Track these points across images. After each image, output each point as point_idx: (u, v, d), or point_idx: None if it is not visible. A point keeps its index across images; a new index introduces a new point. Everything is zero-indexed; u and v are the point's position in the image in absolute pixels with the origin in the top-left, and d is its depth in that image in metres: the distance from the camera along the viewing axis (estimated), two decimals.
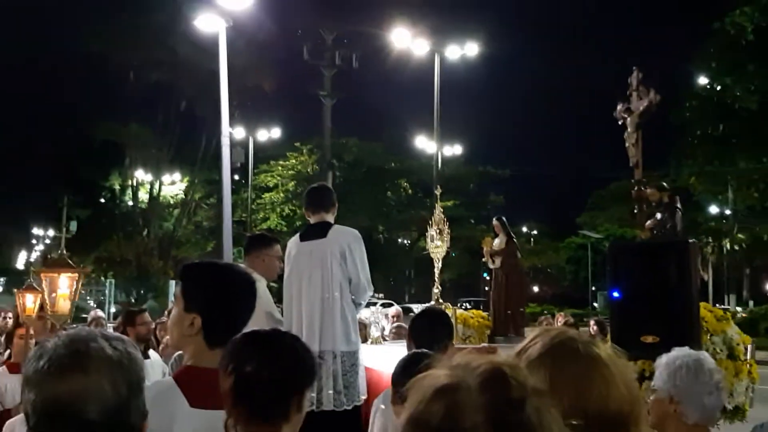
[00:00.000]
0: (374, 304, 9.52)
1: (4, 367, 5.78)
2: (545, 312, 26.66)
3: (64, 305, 4.55)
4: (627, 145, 7.57)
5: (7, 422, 3.77)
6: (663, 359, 2.87)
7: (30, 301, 5.09)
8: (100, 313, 11.53)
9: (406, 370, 3.13)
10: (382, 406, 3.60)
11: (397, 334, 9.85)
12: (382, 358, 6.00)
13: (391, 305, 14.55)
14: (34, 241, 71.48)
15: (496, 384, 1.15)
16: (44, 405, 1.47)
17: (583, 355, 1.58)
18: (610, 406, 1.53)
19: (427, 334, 3.85)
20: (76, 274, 4.64)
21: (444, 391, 1.16)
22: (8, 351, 6.46)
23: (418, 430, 1.15)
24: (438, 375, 1.19)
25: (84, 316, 14.25)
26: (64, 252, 4.72)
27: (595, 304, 48.32)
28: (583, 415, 1.49)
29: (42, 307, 5.65)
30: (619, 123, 7.66)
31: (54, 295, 4.52)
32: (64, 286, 4.53)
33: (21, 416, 3.67)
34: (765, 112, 26.98)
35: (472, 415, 1.12)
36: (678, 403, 2.74)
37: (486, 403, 1.12)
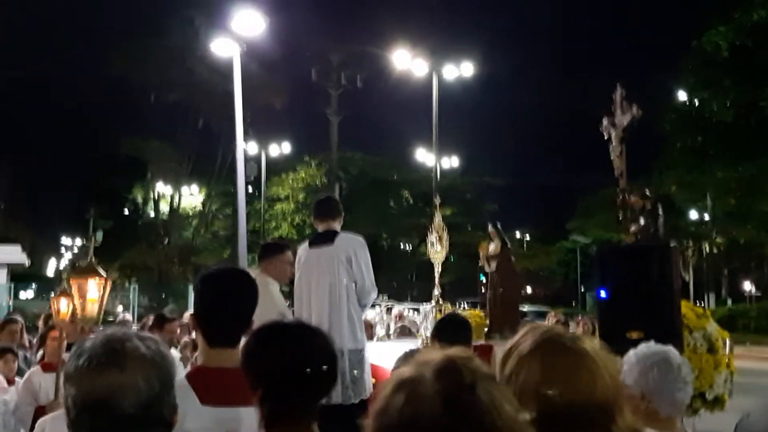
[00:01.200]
0: (379, 305, 9.53)
1: (38, 366, 5.80)
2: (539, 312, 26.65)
3: (92, 309, 4.56)
4: (612, 156, 7.58)
5: (39, 420, 3.78)
6: (632, 358, 2.82)
7: (64, 306, 5.11)
8: (128, 316, 11.62)
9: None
10: None
11: (401, 333, 9.87)
12: (387, 355, 6.02)
13: (394, 306, 14.56)
14: (62, 250, 71.49)
15: (448, 373, 1.20)
16: (83, 399, 1.50)
17: (571, 350, 1.61)
18: (597, 395, 1.55)
19: (451, 337, 3.97)
20: (104, 280, 4.66)
21: (404, 383, 1.21)
22: (41, 351, 6.50)
23: (383, 422, 1.19)
24: (401, 371, 1.23)
25: (110, 319, 14.29)
26: (93, 259, 4.74)
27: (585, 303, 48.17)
28: (572, 405, 1.51)
29: (74, 312, 5.68)
30: (605, 136, 7.68)
31: (83, 300, 4.54)
32: (93, 291, 4.54)
33: (52, 414, 3.69)
34: (740, 124, 26.98)
35: (429, 401, 1.16)
36: (650, 401, 2.72)
37: (440, 390, 1.17)
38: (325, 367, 2.01)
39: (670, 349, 2.91)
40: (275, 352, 1.99)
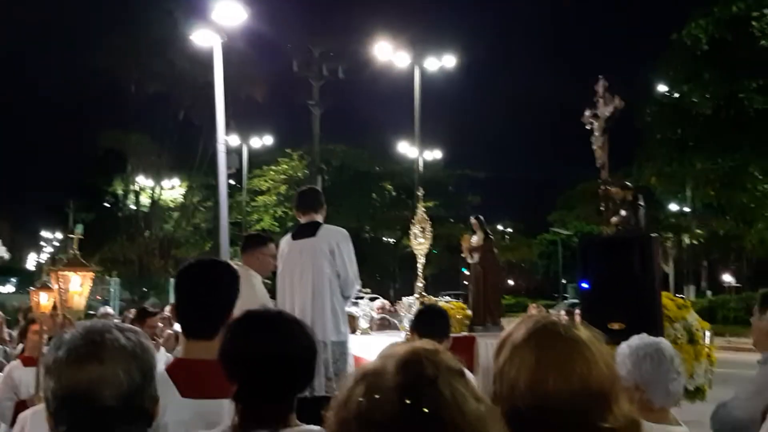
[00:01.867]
0: (361, 298, 9.53)
1: (18, 360, 5.75)
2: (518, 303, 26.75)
3: (78, 301, 4.53)
4: (594, 147, 7.60)
5: (20, 415, 3.75)
6: (625, 349, 2.84)
7: (44, 299, 5.08)
8: (109, 309, 11.51)
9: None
10: None
11: (381, 325, 9.87)
12: (370, 347, 6.02)
13: (377, 299, 14.59)
14: (42, 244, 70.93)
15: (410, 365, 1.19)
16: (63, 392, 1.48)
17: (565, 338, 1.59)
18: (592, 384, 1.53)
19: (429, 328, 3.97)
20: (89, 273, 4.63)
21: (365, 375, 1.20)
22: (21, 345, 6.44)
23: (343, 412, 1.19)
24: (366, 363, 1.24)
25: (91, 312, 14.15)
26: (77, 252, 4.70)
27: (566, 296, 48.44)
28: (567, 393, 1.51)
29: (55, 305, 5.63)
30: (587, 127, 7.70)
31: (68, 292, 4.50)
32: (77, 284, 4.51)
33: (32, 410, 3.66)
34: (720, 117, 27.18)
35: (388, 394, 1.15)
36: (644, 391, 2.73)
37: (400, 383, 1.16)
38: (301, 356, 1.98)
39: (662, 341, 2.93)
40: (251, 341, 1.96)
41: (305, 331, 2.05)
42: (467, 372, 1.27)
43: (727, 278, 49.71)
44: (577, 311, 8.18)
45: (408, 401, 1.13)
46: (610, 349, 1.71)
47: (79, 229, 5.15)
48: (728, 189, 29.32)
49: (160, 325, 8.20)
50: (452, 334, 4.46)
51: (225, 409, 2.08)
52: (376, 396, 1.15)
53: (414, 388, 1.15)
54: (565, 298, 44.39)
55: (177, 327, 6.73)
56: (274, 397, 1.93)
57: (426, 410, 1.13)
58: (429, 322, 4.15)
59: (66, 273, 4.56)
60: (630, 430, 1.59)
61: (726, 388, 6.81)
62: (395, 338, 6.87)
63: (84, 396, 1.46)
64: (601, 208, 7.84)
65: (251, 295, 4.50)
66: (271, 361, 1.92)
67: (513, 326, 1.70)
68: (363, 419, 1.15)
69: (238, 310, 2.40)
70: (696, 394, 6.84)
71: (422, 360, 1.20)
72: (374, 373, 1.19)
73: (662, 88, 30.06)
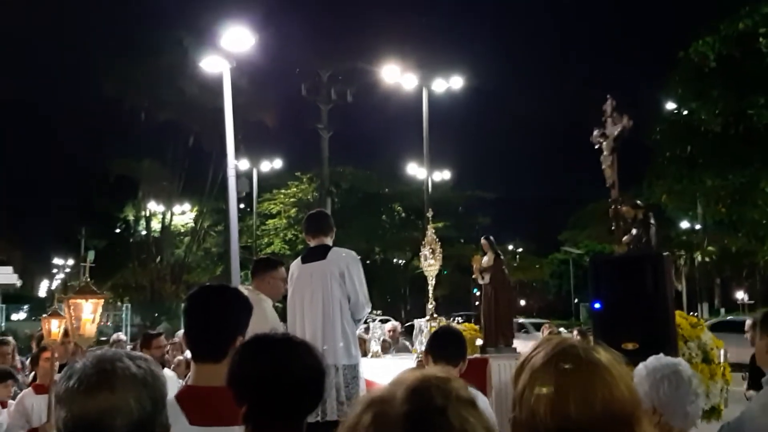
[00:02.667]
0: (373, 320, 9.48)
1: (30, 388, 5.75)
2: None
3: (90, 329, 4.55)
4: (603, 167, 7.58)
5: None
6: (642, 371, 2.78)
7: (55, 326, 5.08)
8: (122, 336, 11.45)
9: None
10: None
11: (395, 348, 9.83)
12: (381, 370, 5.99)
13: (388, 320, 14.51)
14: (54, 271, 71.13)
15: (419, 393, 1.17)
16: (75, 421, 1.48)
17: (585, 361, 1.56)
18: (615, 408, 1.51)
19: (444, 351, 3.89)
20: (100, 300, 4.65)
21: (374, 402, 1.19)
22: (33, 373, 6.44)
23: None
24: (375, 390, 1.22)
25: (103, 339, 14.13)
26: (89, 279, 4.73)
27: (579, 315, 48.15)
28: (589, 417, 1.49)
29: (66, 333, 5.64)
30: (596, 147, 7.68)
31: (80, 319, 4.52)
32: (89, 311, 4.53)
33: None
34: (729, 133, 27.11)
35: (395, 422, 1.14)
36: (662, 414, 2.68)
37: (407, 411, 1.14)
38: (309, 376, 1.99)
39: (681, 362, 2.87)
40: (258, 362, 1.97)
41: (312, 353, 2.06)
42: (481, 398, 1.25)
43: (740, 295, 49.32)
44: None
45: (414, 430, 1.11)
46: (630, 371, 1.69)
47: (91, 255, 5.19)
48: (739, 205, 29.18)
49: (168, 347, 8.19)
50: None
51: None
52: (383, 425, 1.14)
53: (422, 418, 1.13)
54: (578, 318, 44.13)
55: (188, 354, 6.72)
56: (283, 416, 1.93)
57: None
58: (443, 345, 4.00)
59: (77, 300, 4.57)
60: None
61: (742, 406, 6.75)
62: (407, 361, 6.83)
63: (95, 425, 1.46)
64: (612, 228, 7.81)
65: (262, 319, 4.49)
66: (278, 380, 1.93)
67: (531, 349, 1.68)
68: None
69: (249, 335, 2.41)
70: (711, 413, 6.76)
71: (431, 388, 1.18)
72: (382, 401, 1.17)
73: (670, 105, 30.04)
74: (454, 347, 3.98)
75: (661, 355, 2.87)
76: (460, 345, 4.07)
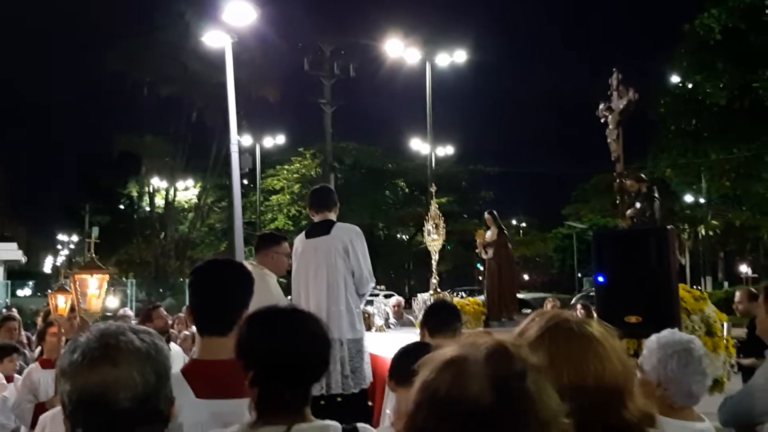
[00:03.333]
0: (376, 295, 9.52)
1: (37, 363, 5.79)
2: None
3: (95, 304, 4.58)
4: (609, 140, 7.54)
5: (40, 417, 3.77)
6: (654, 344, 2.77)
7: (61, 302, 5.11)
8: (128, 311, 11.51)
9: (401, 360, 3.11)
10: None
11: (400, 323, 9.87)
12: (385, 344, 6.01)
13: (392, 296, 14.55)
14: (59, 247, 71.41)
15: (500, 357, 1.17)
16: (78, 395, 1.48)
17: (577, 334, 1.60)
18: (606, 380, 1.54)
19: (439, 323, 3.89)
20: (106, 275, 4.67)
21: (453, 361, 1.18)
22: (40, 348, 6.48)
23: (427, 396, 1.17)
24: (448, 350, 1.21)
25: (108, 314, 14.17)
26: (94, 255, 4.74)
27: (582, 293, 48.23)
28: (582, 389, 1.50)
29: (73, 308, 5.66)
30: (601, 120, 7.64)
31: (85, 295, 4.54)
32: (94, 286, 4.55)
33: (52, 412, 3.68)
34: (734, 107, 26.97)
35: (477, 382, 1.14)
36: (666, 389, 2.68)
37: (490, 373, 1.15)
38: (314, 343, 2.01)
39: (694, 340, 2.83)
40: (265, 331, 2.00)
41: (318, 323, 2.09)
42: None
43: (744, 269, 49.34)
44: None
45: (497, 393, 1.12)
46: (624, 344, 1.70)
47: (95, 231, 5.21)
48: (744, 179, 29.12)
49: (172, 319, 8.23)
50: (468, 330, 4.41)
51: (241, 408, 2.08)
52: (465, 383, 1.14)
53: (503, 381, 1.14)
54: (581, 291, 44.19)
55: (194, 329, 6.74)
56: (290, 382, 1.96)
57: (514, 404, 1.12)
58: (439, 317, 4.01)
59: (83, 276, 4.59)
60: (645, 424, 1.59)
61: (740, 379, 6.77)
62: (411, 335, 6.86)
63: (99, 398, 1.46)
64: (617, 201, 7.80)
65: (266, 293, 4.50)
66: (286, 348, 1.97)
67: (525, 323, 1.70)
68: (449, 404, 1.13)
69: (253, 309, 2.42)
70: (715, 386, 6.78)
71: (512, 353, 1.19)
72: (462, 361, 1.18)
73: (675, 79, 29.85)
74: (449, 320, 3.97)
75: (676, 330, 2.86)
76: (455, 317, 4.08)
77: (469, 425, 1.11)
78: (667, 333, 2.83)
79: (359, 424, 2.09)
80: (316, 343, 2.03)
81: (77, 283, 4.54)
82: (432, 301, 7.68)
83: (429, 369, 1.20)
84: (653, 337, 2.81)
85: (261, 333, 2.01)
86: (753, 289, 7.27)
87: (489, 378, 1.14)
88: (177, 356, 5.88)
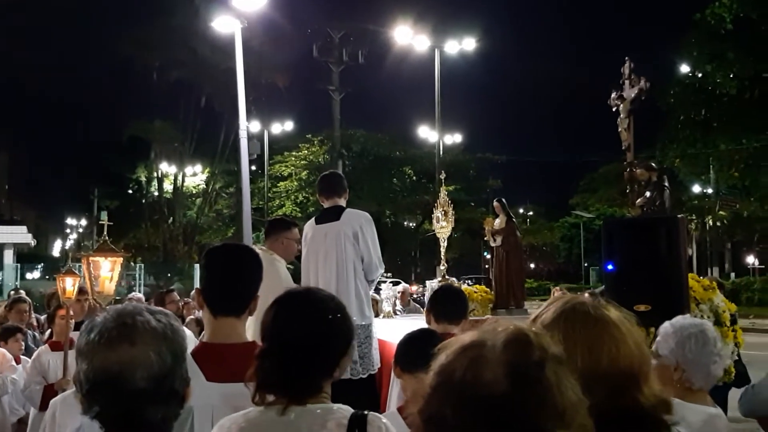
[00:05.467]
0: (383, 282, 9.53)
1: (46, 345, 5.82)
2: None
3: (109, 286, 4.59)
4: (620, 129, 7.51)
5: (51, 401, 3.79)
6: (669, 328, 2.81)
7: (69, 285, 5.12)
8: (139, 295, 11.63)
9: (406, 346, 3.11)
10: None
11: (406, 310, 9.88)
12: (393, 330, 6.01)
13: (398, 283, 14.57)
14: (68, 231, 71.70)
15: (518, 344, 1.16)
16: (95, 374, 1.48)
17: (593, 318, 1.59)
18: (621, 364, 1.54)
19: (445, 309, 3.86)
20: (119, 258, 4.67)
21: (470, 346, 1.18)
22: (50, 330, 6.51)
23: (444, 380, 1.16)
24: (467, 335, 1.20)
25: (118, 298, 14.23)
26: (107, 237, 4.75)
27: (591, 286, 48.20)
28: (596, 372, 1.49)
29: (81, 290, 5.68)
30: (613, 110, 7.60)
31: (98, 277, 4.55)
32: (107, 269, 4.56)
33: (62, 396, 3.69)
34: (744, 97, 26.80)
35: (494, 368, 1.13)
36: (684, 371, 2.71)
37: (507, 360, 1.13)
38: (335, 320, 2.04)
39: (706, 323, 2.90)
40: (296, 319, 2.00)
41: (339, 304, 2.12)
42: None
43: (751, 260, 49.21)
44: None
45: (514, 380, 1.11)
46: (641, 330, 1.69)
47: (104, 216, 5.21)
48: (753, 170, 28.99)
49: (181, 304, 8.27)
50: (476, 317, 4.39)
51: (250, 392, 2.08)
52: (482, 368, 1.13)
53: (521, 368, 1.13)
54: (588, 282, 44.17)
55: (199, 313, 6.76)
56: (306, 351, 1.96)
57: (528, 393, 1.11)
58: (445, 303, 3.96)
59: (96, 258, 4.60)
60: (660, 409, 1.58)
61: (750, 369, 6.76)
62: (418, 321, 6.86)
63: (116, 378, 1.46)
64: (627, 190, 7.76)
65: (275, 279, 4.49)
66: (309, 324, 1.99)
67: (543, 307, 1.70)
68: (465, 389, 1.13)
69: (262, 294, 2.46)
70: (723, 375, 6.77)
71: (531, 341, 1.17)
72: (479, 346, 1.17)
73: (685, 68, 29.66)
74: (455, 306, 3.93)
75: (688, 315, 2.89)
76: (461, 303, 4.04)
77: (482, 411, 1.10)
78: (679, 318, 2.88)
79: (370, 413, 2.08)
80: (344, 326, 2.06)
81: (90, 265, 4.54)
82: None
83: (447, 353, 1.19)
84: (666, 323, 2.85)
85: (289, 316, 2.01)
86: None
87: (505, 365, 1.13)
88: (189, 340, 5.90)
